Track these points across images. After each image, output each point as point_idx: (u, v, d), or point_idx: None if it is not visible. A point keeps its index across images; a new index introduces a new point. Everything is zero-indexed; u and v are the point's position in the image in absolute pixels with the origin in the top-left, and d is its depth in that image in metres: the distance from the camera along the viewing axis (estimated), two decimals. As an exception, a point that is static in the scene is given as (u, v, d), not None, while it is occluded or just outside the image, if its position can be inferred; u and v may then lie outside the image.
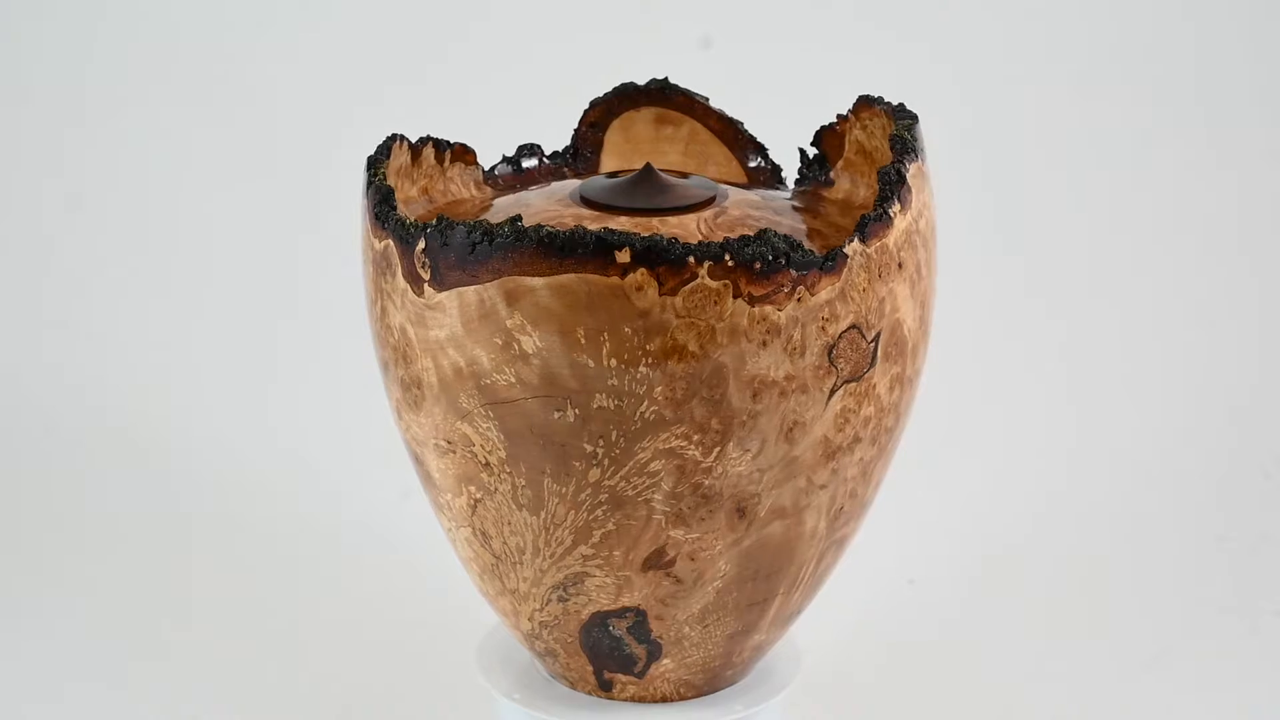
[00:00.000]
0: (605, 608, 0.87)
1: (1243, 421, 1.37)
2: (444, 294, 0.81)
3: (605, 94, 0.99)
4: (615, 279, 0.79)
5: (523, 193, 0.93)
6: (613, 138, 0.99)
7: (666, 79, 0.99)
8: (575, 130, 0.99)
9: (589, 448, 0.82)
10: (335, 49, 1.54)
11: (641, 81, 0.99)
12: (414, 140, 0.93)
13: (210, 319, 1.46)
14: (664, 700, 0.93)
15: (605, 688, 0.92)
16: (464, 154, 0.96)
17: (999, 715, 1.08)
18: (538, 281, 0.80)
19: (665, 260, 0.79)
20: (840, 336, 0.82)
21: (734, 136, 0.98)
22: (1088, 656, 1.13)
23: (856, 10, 1.53)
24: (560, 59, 1.50)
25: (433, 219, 0.84)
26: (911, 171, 0.85)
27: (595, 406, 0.81)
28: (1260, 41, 1.55)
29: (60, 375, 1.40)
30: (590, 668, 0.91)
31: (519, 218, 0.80)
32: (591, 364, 0.80)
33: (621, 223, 0.86)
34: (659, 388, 0.80)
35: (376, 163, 0.88)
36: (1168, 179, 1.52)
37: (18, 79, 1.53)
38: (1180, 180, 1.52)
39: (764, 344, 0.80)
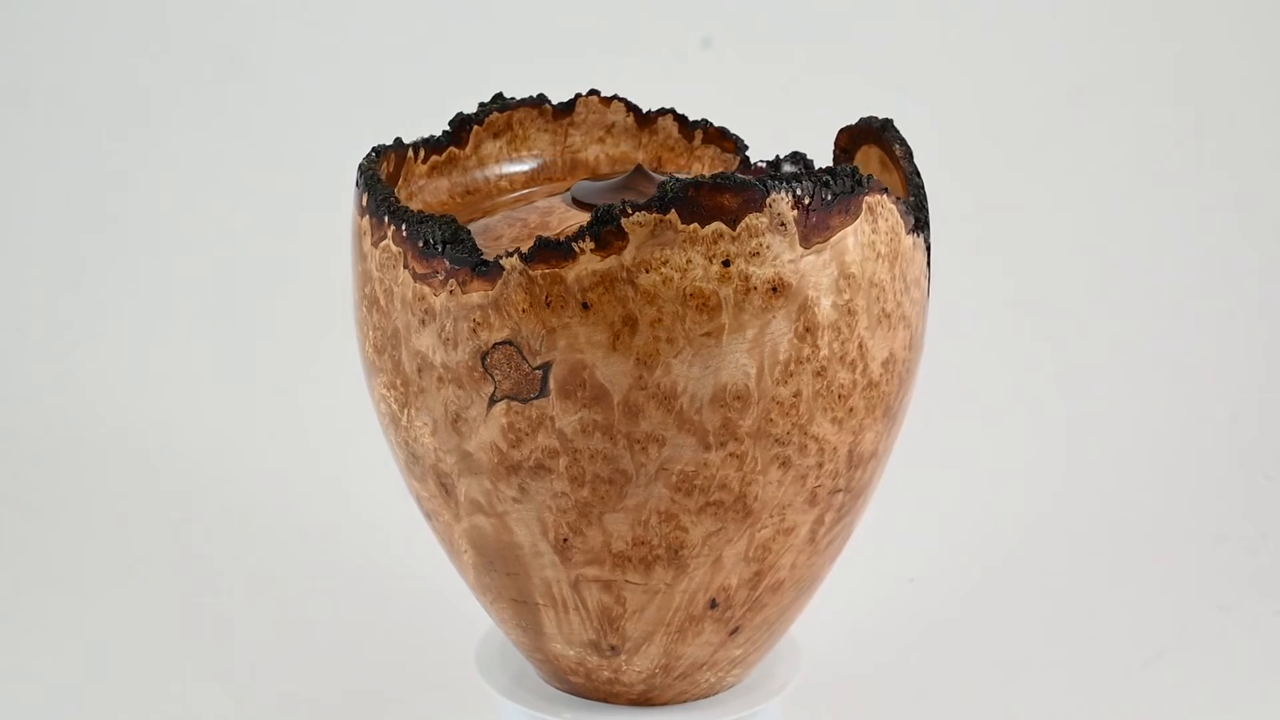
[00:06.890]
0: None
1: (1243, 422, 1.38)
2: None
3: (852, 123, 0.96)
4: (360, 220, 0.87)
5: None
6: (859, 164, 0.96)
7: (890, 121, 0.93)
8: (833, 152, 0.97)
9: (366, 373, 0.90)
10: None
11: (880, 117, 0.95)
12: (648, 108, 1.00)
13: (210, 319, 1.45)
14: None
15: None
16: (720, 138, 1.00)
17: (998, 714, 1.08)
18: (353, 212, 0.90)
19: (376, 214, 0.85)
20: (495, 347, 0.82)
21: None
22: (1087, 656, 1.13)
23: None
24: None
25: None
26: (636, 219, 0.79)
27: (359, 333, 0.89)
28: (1254, 43, 1.50)
29: (61, 380, 1.43)
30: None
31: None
32: (355, 294, 0.89)
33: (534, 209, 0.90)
34: (371, 331, 0.87)
35: (499, 101, 0.98)
36: (1167, 179, 1.49)
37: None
38: (1179, 181, 1.49)
39: (423, 323, 0.83)
